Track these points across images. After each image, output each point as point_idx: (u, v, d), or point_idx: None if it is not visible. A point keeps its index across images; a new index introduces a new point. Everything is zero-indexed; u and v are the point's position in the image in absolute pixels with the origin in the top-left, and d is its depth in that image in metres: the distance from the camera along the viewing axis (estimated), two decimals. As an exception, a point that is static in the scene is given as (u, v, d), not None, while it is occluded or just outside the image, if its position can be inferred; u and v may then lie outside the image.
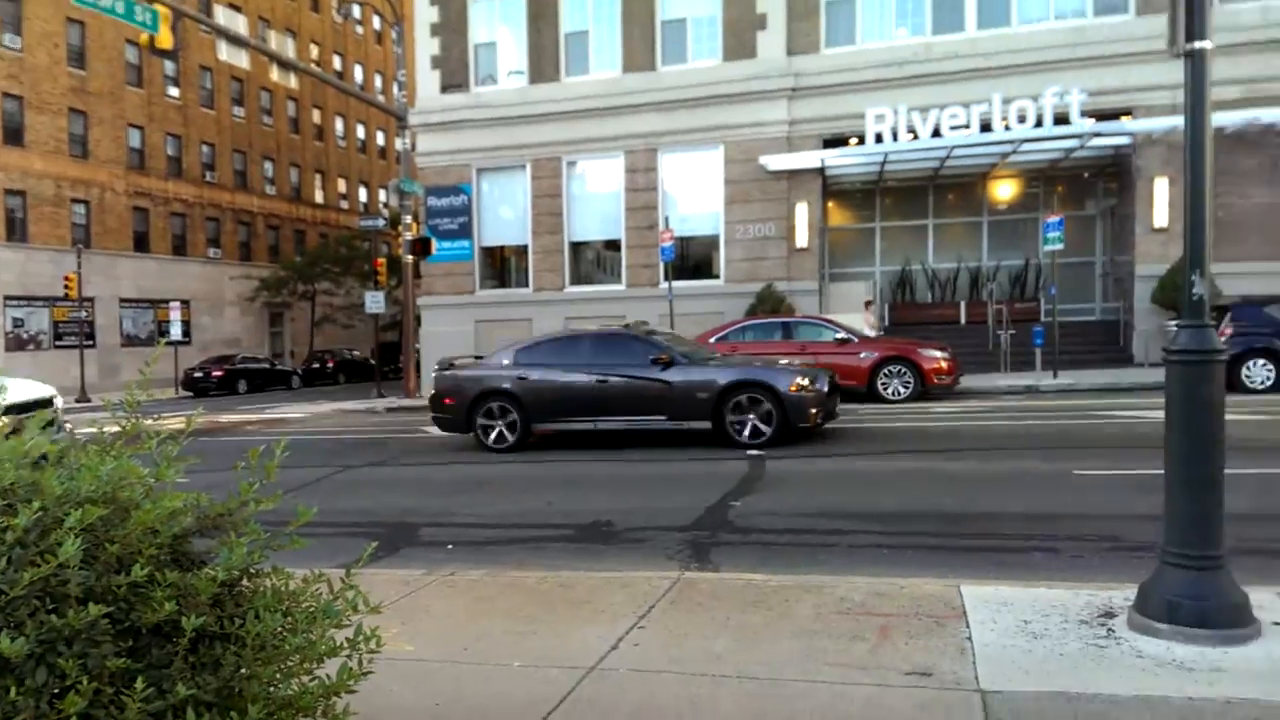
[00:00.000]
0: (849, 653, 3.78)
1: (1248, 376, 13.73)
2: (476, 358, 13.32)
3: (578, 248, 22.58)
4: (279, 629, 2.03)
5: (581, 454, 10.80)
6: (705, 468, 9.38)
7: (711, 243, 21.34)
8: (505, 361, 11.66)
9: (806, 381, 10.47)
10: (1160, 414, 4.03)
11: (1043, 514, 6.67)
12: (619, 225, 21.75)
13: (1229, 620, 3.74)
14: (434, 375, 12.11)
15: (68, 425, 8.71)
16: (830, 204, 22.42)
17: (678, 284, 19.56)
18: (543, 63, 22.01)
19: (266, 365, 37.00)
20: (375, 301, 23.60)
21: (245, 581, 2.18)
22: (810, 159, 19.83)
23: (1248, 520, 5.82)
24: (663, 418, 10.79)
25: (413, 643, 3.95)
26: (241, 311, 42.45)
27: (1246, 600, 3.83)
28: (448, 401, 11.74)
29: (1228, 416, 3.99)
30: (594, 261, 22.90)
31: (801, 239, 20.35)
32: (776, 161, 20.06)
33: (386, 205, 43.20)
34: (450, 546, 6.57)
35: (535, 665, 3.79)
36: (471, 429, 11.55)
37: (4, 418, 8.09)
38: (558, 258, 22.15)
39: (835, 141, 19.93)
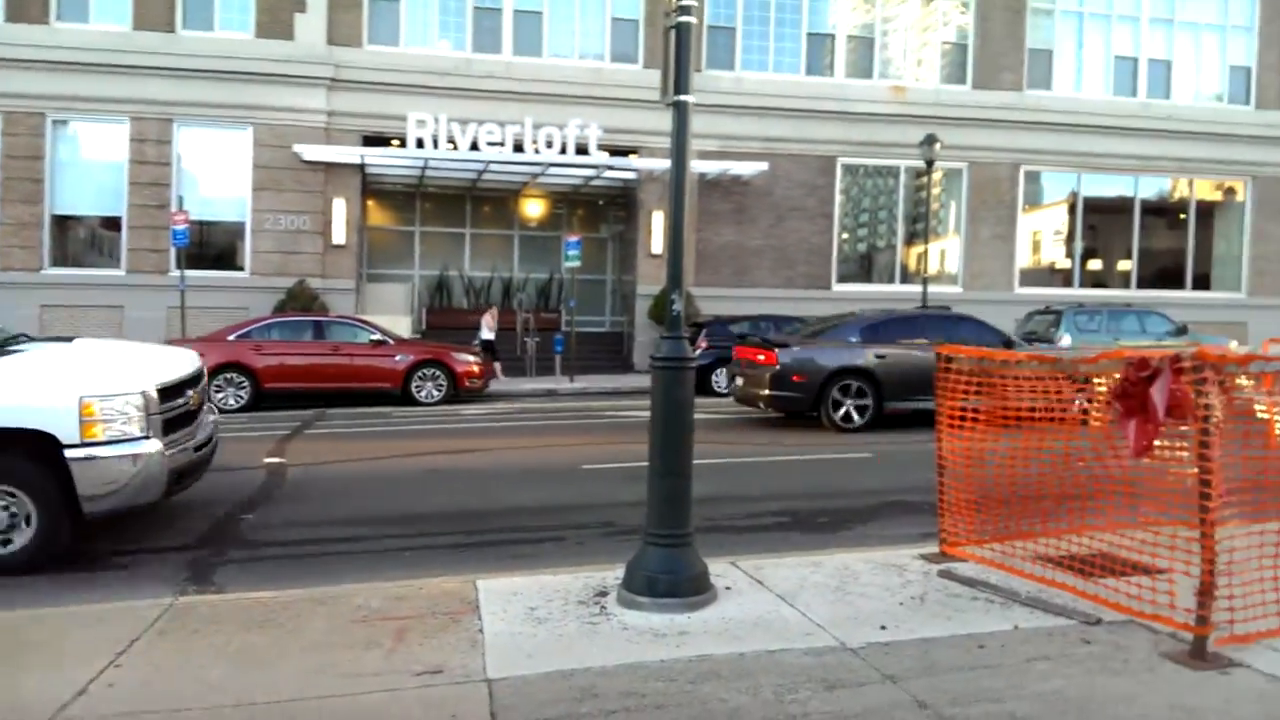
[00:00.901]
0: (362, 661, 3.70)
1: (716, 382, 16.48)
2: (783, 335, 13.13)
3: (64, 222, 19.02)
4: None
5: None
6: (216, 478, 8.49)
7: (237, 231, 19.49)
8: (853, 339, 11.64)
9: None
10: (649, 413, 4.62)
11: (554, 506, 7.26)
12: (121, 201, 18.81)
13: (694, 589, 4.42)
14: (778, 352, 11.68)
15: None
16: (371, 203, 21.93)
17: (194, 273, 17.52)
18: (24, -2, 18.18)
19: None
20: None
21: None
22: (350, 154, 19.15)
23: (709, 501, 6.97)
24: None
25: None
26: None
27: (706, 570, 4.57)
28: (797, 379, 11.48)
29: (700, 416, 4.72)
30: (87, 241, 19.49)
31: (339, 236, 19.57)
32: (313, 152, 19.03)
33: None
34: None
35: (-34, 730, 3.08)
36: (819, 408, 11.47)
37: (192, 391, 6.44)
38: (35, 232, 18.41)
39: (377, 140, 19.52)
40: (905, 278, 22.09)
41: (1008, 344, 12.00)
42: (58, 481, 5.25)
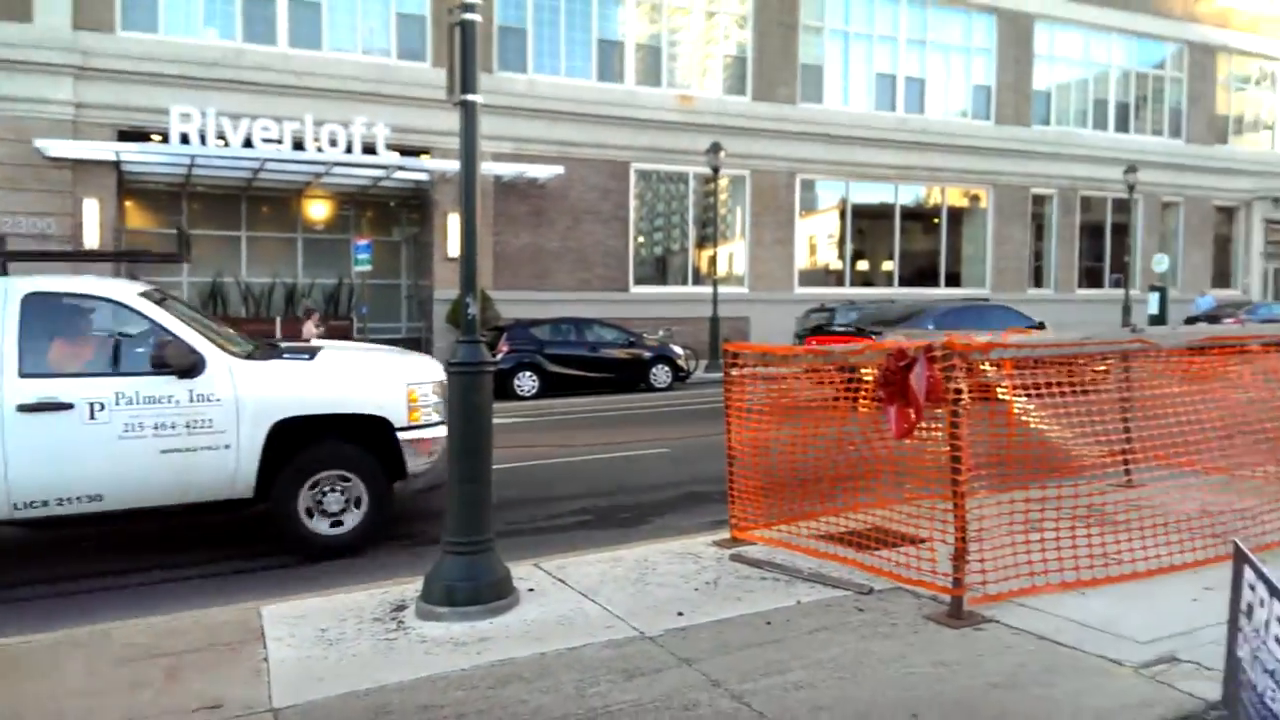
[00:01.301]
0: (130, 705, 3.37)
1: (519, 386, 16.38)
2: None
3: None
4: None
5: None
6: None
7: (-37, 235, 17.14)
8: (930, 327, 12.38)
9: None
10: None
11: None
12: None
13: (495, 594, 4.37)
14: (874, 339, 12.29)
15: None
16: (129, 203, 19.96)
17: (-93, 284, 15.20)
18: None
19: None
20: None
21: None
22: (102, 149, 17.32)
23: (512, 505, 6.92)
24: None
25: None
26: None
27: (508, 574, 4.53)
28: None
29: (503, 420, 4.67)
30: None
31: (91, 239, 17.63)
32: (58, 147, 17.03)
33: None
34: None
35: None
36: None
37: None
38: None
39: (134, 135, 17.76)
40: (698, 279, 22.95)
41: (1035, 327, 13.34)
42: (380, 465, 5.87)
